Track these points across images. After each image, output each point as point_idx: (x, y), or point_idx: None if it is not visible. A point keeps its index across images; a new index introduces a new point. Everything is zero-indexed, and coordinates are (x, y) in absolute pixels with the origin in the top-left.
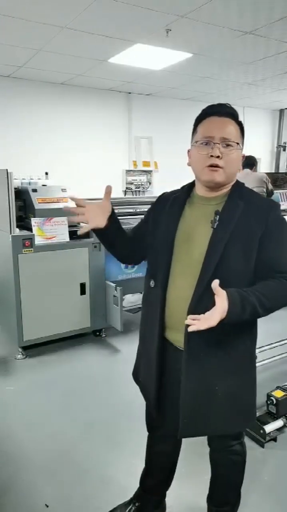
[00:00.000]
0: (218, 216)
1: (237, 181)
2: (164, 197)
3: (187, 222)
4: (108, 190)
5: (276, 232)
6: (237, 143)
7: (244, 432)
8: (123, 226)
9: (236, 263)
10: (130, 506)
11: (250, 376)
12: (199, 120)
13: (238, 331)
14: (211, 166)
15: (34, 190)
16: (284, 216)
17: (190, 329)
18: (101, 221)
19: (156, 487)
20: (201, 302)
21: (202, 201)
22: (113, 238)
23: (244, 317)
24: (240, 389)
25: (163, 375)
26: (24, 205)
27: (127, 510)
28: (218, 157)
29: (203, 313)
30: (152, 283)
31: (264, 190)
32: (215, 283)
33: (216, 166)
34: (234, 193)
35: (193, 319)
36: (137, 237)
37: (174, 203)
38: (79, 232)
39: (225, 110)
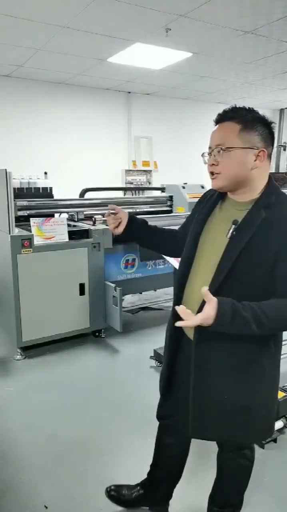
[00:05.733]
0: (233, 226)
1: (271, 187)
2: (204, 195)
3: (213, 224)
4: (111, 208)
5: None
6: (231, 147)
7: None
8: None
9: (246, 275)
10: (135, 490)
11: (265, 388)
12: None
13: (246, 339)
14: (211, 173)
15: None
16: None
17: (177, 324)
18: (120, 229)
19: (163, 481)
20: None
21: (231, 204)
22: (138, 238)
23: (232, 329)
24: (252, 402)
25: (176, 363)
26: None
27: (132, 492)
28: (213, 164)
29: None
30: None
31: None
32: (204, 290)
33: (213, 173)
34: (261, 200)
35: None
36: (177, 234)
37: (208, 202)
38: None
39: (224, 115)
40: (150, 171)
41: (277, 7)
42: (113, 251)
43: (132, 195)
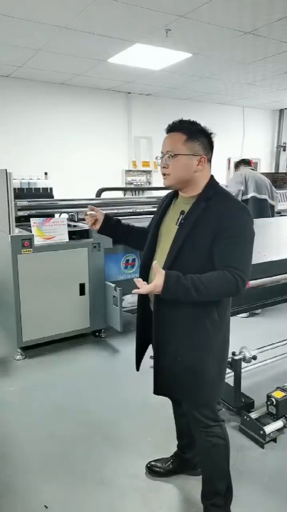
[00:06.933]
0: (182, 216)
1: (211, 184)
2: (165, 196)
3: (168, 217)
4: (91, 208)
5: (227, 231)
6: (178, 154)
7: (221, 416)
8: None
9: (192, 254)
10: (169, 462)
11: (211, 353)
12: None
13: (192, 306)
14: (163, 174)
15: None
16: (244, 220)
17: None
18: (97, 226)
19: (189, 447)
20: None
21: (181, 200)
22: (113, 234)
23: (178, 295)
24: (197, 364)
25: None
26: None
27: (167, 464)
28: (164, 167)
29: None
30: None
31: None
32: (154, 264)
33: (164, 174)
34: (202, 195)
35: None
36: (146, 231)
37: (165, 201)
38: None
39: (173, 127)
40: (150, 171)
41: (277, 7)
42: (113, 251)
43: (132, 195)
